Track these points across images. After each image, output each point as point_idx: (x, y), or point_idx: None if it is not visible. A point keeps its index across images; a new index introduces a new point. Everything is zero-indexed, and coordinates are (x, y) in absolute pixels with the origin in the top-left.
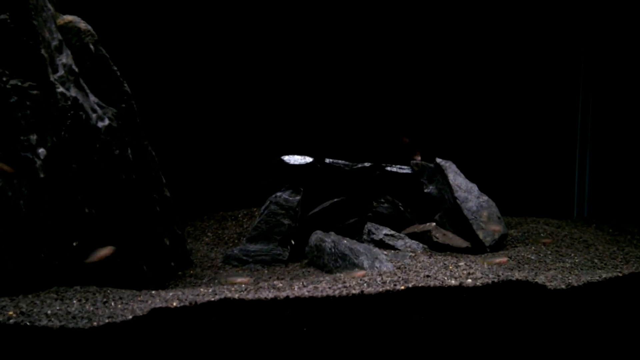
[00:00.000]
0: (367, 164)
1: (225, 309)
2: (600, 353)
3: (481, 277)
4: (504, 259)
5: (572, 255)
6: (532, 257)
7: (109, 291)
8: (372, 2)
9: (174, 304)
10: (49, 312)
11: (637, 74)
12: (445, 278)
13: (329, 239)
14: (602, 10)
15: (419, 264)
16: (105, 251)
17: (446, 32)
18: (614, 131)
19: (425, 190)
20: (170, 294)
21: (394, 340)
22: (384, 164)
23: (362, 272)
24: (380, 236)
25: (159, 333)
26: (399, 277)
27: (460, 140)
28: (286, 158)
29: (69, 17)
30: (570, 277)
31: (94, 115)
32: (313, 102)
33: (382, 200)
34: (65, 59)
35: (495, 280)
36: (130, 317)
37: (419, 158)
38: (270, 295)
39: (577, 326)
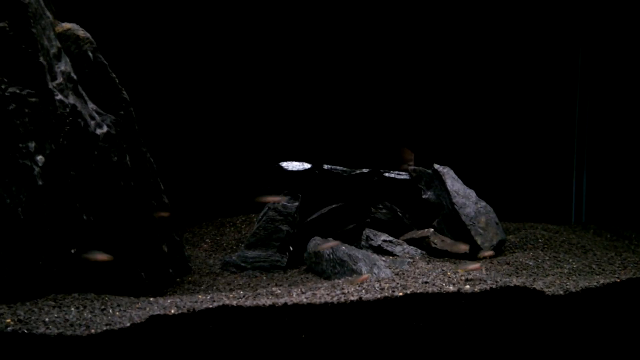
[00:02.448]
0: (365, 170)
1: (223, 316)
2: (598, 359)
3: (479, 284)
4: (477, 266)
5: (570, 261)
6: (530, 263)
7: (107, 298)
8: (368, 10)
9: (172, 311)
10: (46, 319)
11: (635, 77)
12: (444, 284)
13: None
14: (599, 11)
15: (417, 270)
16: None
17: (443, 38)
18: (611, 136)
19: (423, 196)
20: (169, 301)
21: (392, 347)
22: (382, 170)
23: (366, 276)
24: (379, 242)
25: (157, 340)
26: (397, 283)
27: (457, 146)
28: (284, 164)
29: (67, 25)
30: (568, 283)
31: (92, 123)
32: (311, 109)
33: (381, 206)
34: (63, 66)
35: (494, 286)
36: (128, 324)
37: (412, 163)
38: (269, 302)
39: (575, 332)
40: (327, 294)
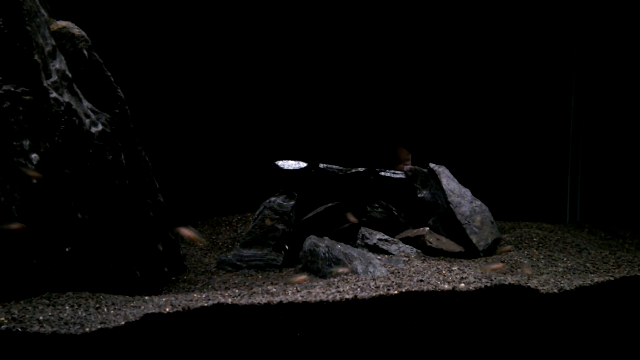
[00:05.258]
0: (361, 169)
1: (218, 315)
2: (593, 357)
3: (474, 282)
4: (500, 265)
5: (565, 259)
6: (525, 262)
7: (101, 297)
8: (364, 11)
9: (167, 309)
10: (41, 318)
11: (630, 76)
12: (439, 282)
13: (322, 244)
14: (594, 9)
15: (412, 269)
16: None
17: (439, 37)
18: (606, 135)
19: (419, 195)
20: (164, 299)
21: (387, 345)
22: (377, 169)
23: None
24: (374, 241)
25: (152, 339)
26: (393, 281)
27: (453, 145)
28: (280, 163)
29: (62, 23)
30: (562, 282)
31: (87, 121)
32: (307, 108)
33: (376, 205)
34: (58, 64)
35: (488, 284)
36: (123, 322)
37: (409, 163)
38: (264, 301)
39: (569, 330)
40: (323, 292)
